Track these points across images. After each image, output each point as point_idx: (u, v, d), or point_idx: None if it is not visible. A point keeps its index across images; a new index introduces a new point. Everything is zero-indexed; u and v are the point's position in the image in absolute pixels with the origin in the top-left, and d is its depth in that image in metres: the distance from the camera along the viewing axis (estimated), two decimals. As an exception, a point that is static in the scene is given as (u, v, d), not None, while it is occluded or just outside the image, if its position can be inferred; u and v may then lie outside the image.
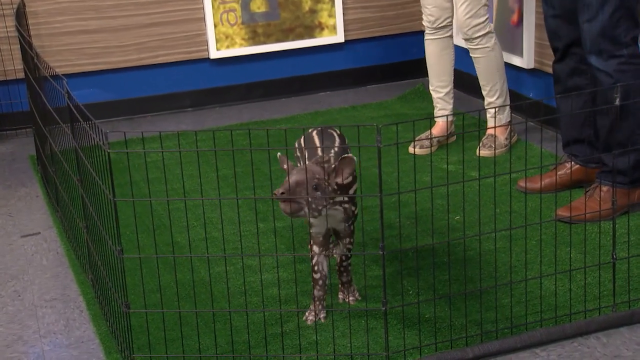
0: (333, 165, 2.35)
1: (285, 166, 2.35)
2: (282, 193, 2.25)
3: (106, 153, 2.13)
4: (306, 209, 2.28)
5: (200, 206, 3.37)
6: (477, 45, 3.67)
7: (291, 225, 2.53)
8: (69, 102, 2.53)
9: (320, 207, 2.31)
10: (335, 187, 2.35)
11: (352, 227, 2.50)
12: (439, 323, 2.48)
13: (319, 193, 2.30)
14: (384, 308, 2.22)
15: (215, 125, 4.38)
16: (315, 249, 2.49)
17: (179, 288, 2.74)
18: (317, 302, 2.52)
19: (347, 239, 2.51)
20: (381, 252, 2.17)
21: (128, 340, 2.32)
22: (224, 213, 3.31)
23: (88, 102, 4.38)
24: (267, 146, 2.26)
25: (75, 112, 2.43)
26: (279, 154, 2.39)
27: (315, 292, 2.52)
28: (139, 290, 2.74)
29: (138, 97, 4.58)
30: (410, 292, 2.66)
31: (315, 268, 2.50)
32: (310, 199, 2.27)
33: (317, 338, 2.39)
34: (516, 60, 4.10)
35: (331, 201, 2.35)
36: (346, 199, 2.42)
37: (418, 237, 2.97)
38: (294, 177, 2.27)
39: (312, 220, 2.45)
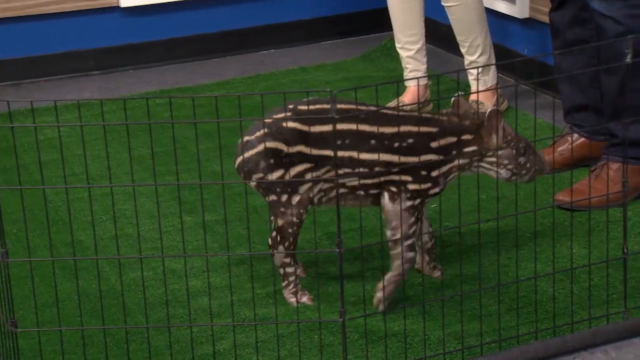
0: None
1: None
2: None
3: (-15, 129, 2.12)
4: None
5: (109, 195, 3.36)
6: None
7: (225, 218, 2.54)
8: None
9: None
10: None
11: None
12: (411, 337, 2.52)
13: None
14: (341, 319, 2.24)
15: (129, 92, 4.36)
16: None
17: (81, 300, 2.73)
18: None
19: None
20: (337, 250, 2.19)
21: (17, 366, 2.32)
22: (139, 204, 3.30)
23: (-37, 65, 4.34)
24: (194, 119, 2.27)
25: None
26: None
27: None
28: (29, 303, 2.73)
29: (26, 56, 4.54)
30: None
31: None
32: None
33: (258, 358, 2.40)
34: (505, 8, 4.14)
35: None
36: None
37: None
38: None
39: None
